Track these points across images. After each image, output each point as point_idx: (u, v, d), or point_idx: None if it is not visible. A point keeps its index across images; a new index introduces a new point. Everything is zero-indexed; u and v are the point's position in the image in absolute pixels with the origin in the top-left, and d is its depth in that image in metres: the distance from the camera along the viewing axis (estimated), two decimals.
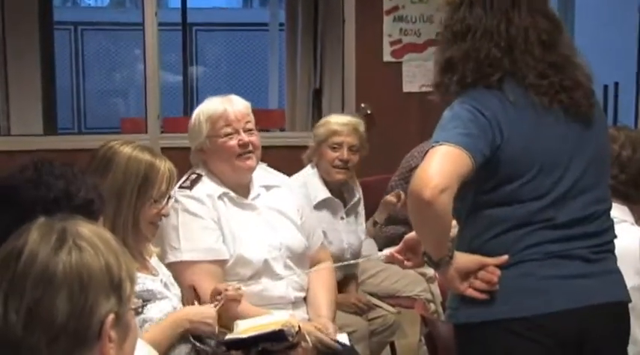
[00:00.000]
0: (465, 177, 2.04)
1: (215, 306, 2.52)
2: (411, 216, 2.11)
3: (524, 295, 2.13)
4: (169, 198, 2.51)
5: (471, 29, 2.19)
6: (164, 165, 2.46)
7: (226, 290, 2.57)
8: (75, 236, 1.29)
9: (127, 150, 2.45)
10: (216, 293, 2.58)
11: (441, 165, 2.02)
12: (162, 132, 6.11)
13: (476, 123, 2.09)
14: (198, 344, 2.43)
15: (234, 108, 2.96)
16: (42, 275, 1.25)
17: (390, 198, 4.06)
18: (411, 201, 2.05)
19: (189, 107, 9.25)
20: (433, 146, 2.07)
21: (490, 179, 2.14)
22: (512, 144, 2.11)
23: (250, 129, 2.98)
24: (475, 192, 2.16)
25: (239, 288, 2.62)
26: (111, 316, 1.28)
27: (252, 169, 3.00)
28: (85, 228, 1.32)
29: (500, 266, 2.13)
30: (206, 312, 2.49)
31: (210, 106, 3.00)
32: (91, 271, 1.27)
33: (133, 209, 2.41)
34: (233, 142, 2.94)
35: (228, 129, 2.94)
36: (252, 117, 3.01)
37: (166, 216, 2.55)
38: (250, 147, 2.95)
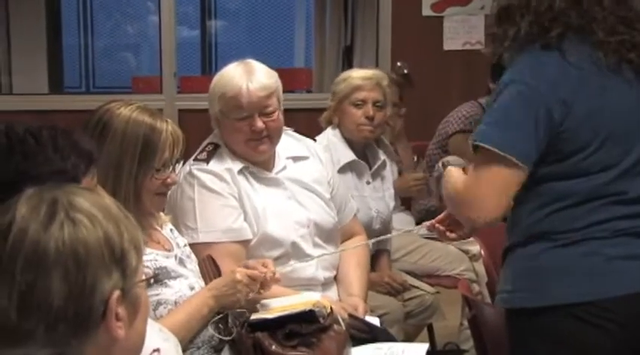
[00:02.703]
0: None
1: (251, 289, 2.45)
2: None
3: (590, 277, 2.09)
4: (176, 163, 2.44)
5: None
6: (166, 129, 2.36)
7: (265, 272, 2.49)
8: (67, 207, 1.25)
9: (125, 112, 2.36)
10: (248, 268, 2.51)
11: (492, 191, 2.06)
12: (178, 92, 6.10)
13: (530, 110, 2.06)
14: (219, 334, 2.40)
15: (252, 87, 2.81)
16: (32, 256, 1.21)
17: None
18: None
19: (207, 65, 9.22)
20: (479, 146, 2.08)
21: (553, 152, 2.10)
22: (576, 111, 2.07)
23: (269, 113, 2.84)
24: (534, 166, 2.12)
25: (274, 273, 2.52)
26: (116, 293, 1.25)
27: (265, 154, 2.90)
28: (80, 196, 1.28)
29: (562, 244, 2.10)
30: (229, 282, 2.42)
31: (226, 80, 2.86)
32: (87, 246, 1.23)
33: (133, 180, 2.33)
34: (245, 128, 2.83)
35: (242, 113, 2.83)
36: (273, 99, 2.85)
37: (173, 184, 2.48)
38: (264, 133, 2.84)
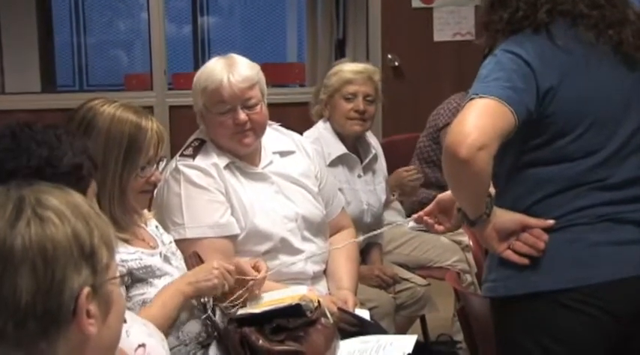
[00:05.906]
0: (506, 136, 2.00)
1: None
2: (445, 174, 2.08)
3: (573, 263, 2.09)
4: (160, 161, 2.43)
5: None
6: (151, 127, 2.35)
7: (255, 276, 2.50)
8: (34, 204, 1.25)
9: (109, 110, 2.34)
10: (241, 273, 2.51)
11: (479, 120, 1.97)
12: (169, 88, 6.09)
13: (520, 73, 2.04)
14: (206, 331, 2.40)
15: (232, 80, 2.80)
16: None
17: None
18: (446, 159, 2.02)
19: (199, 61, 9.21)
20: (472, 98, 2.02)
21: (538, 135, 2.09)
22: (563, 93, 2.07)
23: (252, 106, 2.83)
24: (518, 151, 2.12)
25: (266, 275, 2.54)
26: (86, 290, 1.24)
27: (249, 146, 2.89)
28: (47, 194, 1.28)
29: (545, 231, 2.09)
30: (204, 269, 2.43)
31: (207, 75, 2.85)
32: (55, 242, 1.23)
33: (118, 179, 2.32)
34: (228, 121, 2.82)
35: (224, 107, 2.82)
36: (255, 91, 2.84)
37: (158, 182, 2.47)
38: (248, 125, 2.83)
